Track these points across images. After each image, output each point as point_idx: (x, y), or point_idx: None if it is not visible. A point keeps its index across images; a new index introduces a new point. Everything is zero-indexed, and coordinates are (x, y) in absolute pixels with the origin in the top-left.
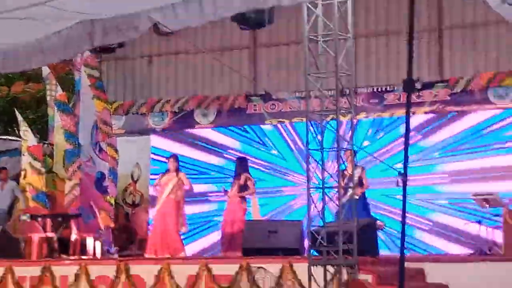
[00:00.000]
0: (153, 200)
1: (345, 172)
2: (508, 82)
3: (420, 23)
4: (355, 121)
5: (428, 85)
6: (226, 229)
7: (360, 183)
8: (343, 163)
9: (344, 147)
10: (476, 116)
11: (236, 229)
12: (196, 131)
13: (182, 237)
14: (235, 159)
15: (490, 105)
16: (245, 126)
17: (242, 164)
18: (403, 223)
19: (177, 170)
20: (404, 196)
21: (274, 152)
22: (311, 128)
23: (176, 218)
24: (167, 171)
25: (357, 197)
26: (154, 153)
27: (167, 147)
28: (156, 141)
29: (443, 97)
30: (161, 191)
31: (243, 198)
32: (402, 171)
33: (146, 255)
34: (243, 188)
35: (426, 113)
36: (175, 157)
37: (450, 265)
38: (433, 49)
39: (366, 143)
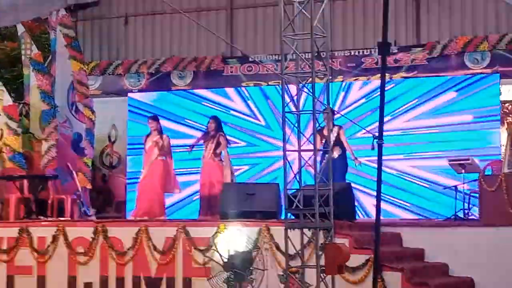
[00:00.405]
0: (132, 162)
1: (324, 132)
2: (483, 47)
3: None
4: (330, 83)
5: (405, 49)
6: (204, 192)
7: (339, 143)
8: (319, 124)
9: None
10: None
11: (215, 191)
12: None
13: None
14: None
15: (466, 70)
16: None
17: (216, 123)
18: (379, 187)
19: (159, 131)
20: (380, 159)
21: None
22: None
23: (163, 180)
24: (150, 133)
25: (335, 158)
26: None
27: (144, 107)
28: (133, 101)
29: (420, 61)
30: (148, 155)
31: (219, 159)
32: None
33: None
34: (216, 146)
35: (403, 77)
36: (154, 117)
37: (426, 230)
38: (410, 13)
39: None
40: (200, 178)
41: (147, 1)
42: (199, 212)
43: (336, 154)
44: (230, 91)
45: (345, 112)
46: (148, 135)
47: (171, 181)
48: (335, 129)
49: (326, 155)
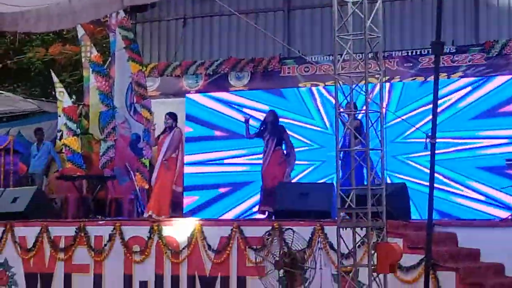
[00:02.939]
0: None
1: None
2: None
3: None
4: (385, 84)
5: (463, 49)
6: (267, 185)
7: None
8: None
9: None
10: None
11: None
12: (229, 94)
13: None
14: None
15: None
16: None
17: (276, 117)
18: (431, 186)
19: (172, 128)
20: (432, 158)
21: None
22: (340, 90)
23: (173, 177)
24: (165, 129)
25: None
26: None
27: (202, 108)
28: (191, 102)
29: (478, 61)
30: (159, 150)
31: (282, 153)
32: (430, 133)
33: (146, 214)
34: (279, 142)
35: (461, 77)
36: (171, 114)
37: (482, 230)
38: (468, 12)
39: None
40: (262, 168)
41: (205, 2)
42: (260, 204)
43: None
44: (287, 91)
45: (401, 112)
46: (162, 132)
47: (178, 179)
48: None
49: None
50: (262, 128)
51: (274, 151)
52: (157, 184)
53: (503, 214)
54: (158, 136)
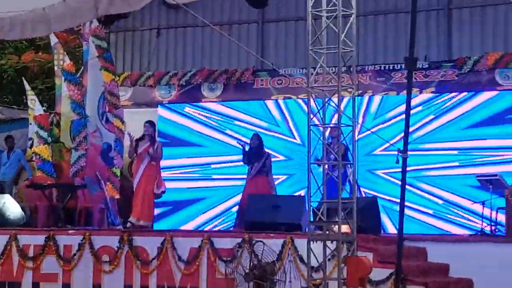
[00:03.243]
0: None
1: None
2: None
3: (430, 1)
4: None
5: (435, 65)
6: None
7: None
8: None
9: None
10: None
11: None
12: (202, 105)
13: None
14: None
15: (497, 86)
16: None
17: (261, 142)
18: (402, 200)
19: (153, 137)
20: (404, 173)
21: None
22: (313, 104)
23: (153, 185)
24: (143, 136)
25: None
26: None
27: (174, 119)
28: (163, 113)
29: (450, 77)
30: (139, 159)
31: (268, 180)
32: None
33: (131, 219)
34: (263, 166)
35: (433, 92)
36: (151, 122)
37: (452, 245)
38: (442, 28)
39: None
40: (243, 191)
41: (179, 13)
42: (235, 224)
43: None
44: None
45: (374, 126)
46: (139, 139)
47: (160, 183)
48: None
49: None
50: (249, 153)
51: (259, 176)
52: (139, 191)
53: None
54: (136, 142)
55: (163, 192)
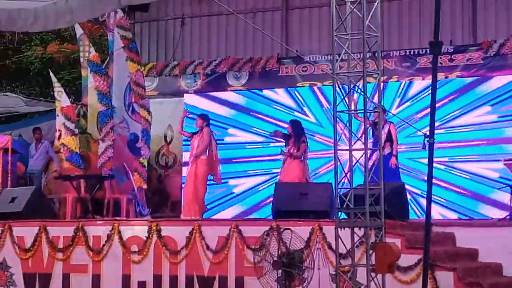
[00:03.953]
0: (185, 163)
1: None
2: None
3: None
4: (382, 83)
5: (460, 49)
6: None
7: (390, 139)
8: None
9: (371, 109)
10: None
11: None
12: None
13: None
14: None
15: None
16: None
17: (297, 126)
18: (429, 186)
19: (203, 129)
20: (431, 159)
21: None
22: (338, 90)
23: (205, 179)
24: (197, 132)
25: (385, 154)
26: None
27: (201, 107)
28: (190, 100)
29: (476, 60)
30: (191, 152)
31: (299, 159)
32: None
33: (182, 217)
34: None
35: (458, 77)
36: (202, 116)
37: (480, 229)
38: (466, 12)
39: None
40: (280, 176)
41: (202, 2)
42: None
43: (386, 151)
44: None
45: (400, 112)
46: (195, 133)
47: (217, 173)
48: (386, 125)
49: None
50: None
51: (293, 160)
52: (188, 190)
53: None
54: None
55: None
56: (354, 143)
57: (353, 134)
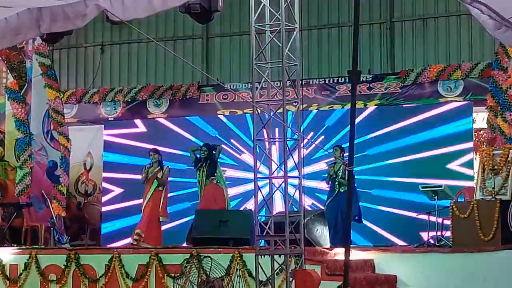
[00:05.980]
0: (105, 190)
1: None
2: (456, 75)
3: (373, 15)
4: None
5: (379, 77)
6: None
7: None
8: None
9: (290, 137)
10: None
11: None
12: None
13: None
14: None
15: (440, 98)
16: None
17: (212, 149)
18: (349, 212)
19: (160, 163)
20: (349, 186)
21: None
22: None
23: (160, 210)
24: (151, 164)
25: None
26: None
27: (120, 136)
28: (109, 130)
29: (394, 89)
30: (149, 184)
31: (216, 182)
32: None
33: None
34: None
35: (376, 105)
36: (155, 150)
37: (399, 256)
38: (384, 41)
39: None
40: (200, 202)
41: (123, 29)
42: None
43: None
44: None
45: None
46: (149, 165)
47: (164, 211)
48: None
49: None
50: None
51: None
52: (147, 210)
53: None
54: (147, 170)
55: (166, 221)
56: (274, 171)
57: (273, 161)
